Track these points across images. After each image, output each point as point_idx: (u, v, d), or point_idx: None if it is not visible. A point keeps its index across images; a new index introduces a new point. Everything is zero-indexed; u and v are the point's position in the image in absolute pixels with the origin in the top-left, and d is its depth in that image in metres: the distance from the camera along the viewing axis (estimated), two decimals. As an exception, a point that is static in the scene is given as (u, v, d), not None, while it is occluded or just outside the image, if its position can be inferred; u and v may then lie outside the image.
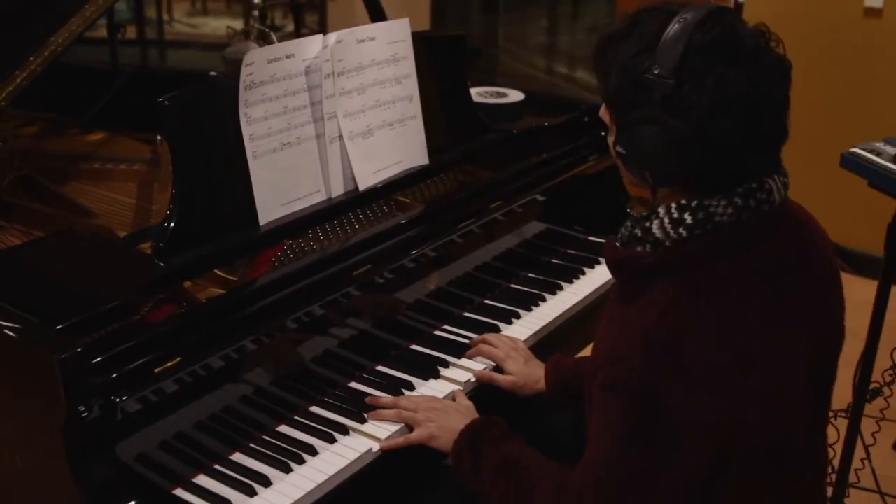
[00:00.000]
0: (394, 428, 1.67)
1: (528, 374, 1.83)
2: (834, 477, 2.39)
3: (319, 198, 1.89)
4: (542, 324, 2.03)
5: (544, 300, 2.12)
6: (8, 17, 1.82)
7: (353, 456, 1.60)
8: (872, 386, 2.47)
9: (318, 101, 1.87)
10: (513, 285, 2.19)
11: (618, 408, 1.31)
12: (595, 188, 2.42)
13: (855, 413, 2.36)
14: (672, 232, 1.34)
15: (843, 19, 3.90)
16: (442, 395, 1.77)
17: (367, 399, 1.73)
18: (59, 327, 1.40)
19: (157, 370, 1.46)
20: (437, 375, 1.83)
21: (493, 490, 1.51)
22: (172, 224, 1.65)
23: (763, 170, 1.36)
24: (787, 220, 1.42)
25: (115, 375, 1.40)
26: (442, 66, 2.19)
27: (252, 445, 1.62)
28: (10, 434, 1.47)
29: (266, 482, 1.53)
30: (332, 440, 1.63)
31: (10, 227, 1.91)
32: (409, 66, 2.05)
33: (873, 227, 2.41)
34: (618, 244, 1.43)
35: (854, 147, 2.24)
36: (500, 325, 2.01)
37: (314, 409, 1.72)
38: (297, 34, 3.48)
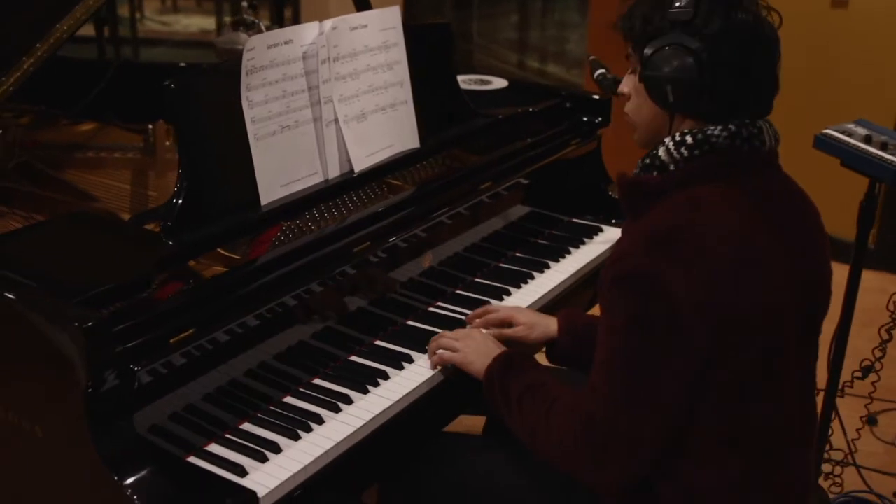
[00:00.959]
0: (396, 396, 1.74)
1: (537, 320, 1.93)
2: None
3: (317, 179, 1.95)
4: (533, 300, 2.11)
5: (532, 278, 2.20)
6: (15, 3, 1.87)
7: (359, 424, 1.67)
8: (864, 363, 2.57)
9: (315, 85, 1.93)
10: (502, 264, 2.26)
11: (622, 298, 1.46)
12: (577, 172, 2.50)
13: (830, 387, 2.46)
14: (675, 152, 1.54)
15: (812, 10, 4.04)
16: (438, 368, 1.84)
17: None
18: (79, 299, 1.45)
19: (172, 340, 1.51)
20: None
21: (518, 410, 1.64)
22: (179, 203, 1.71)
23: (757, 114, 1.56)
24: (780, 171, 1.61)
25: (132, 345, 1.46)
26: (430, 54, 2.26)
27: (260, 415, 1.68)
28: (31, 405, 1.51)
29: (276, 449, 1.59)
30: (336, 409, 1.70)
31: (12, 212, 1.96)
32: (399, 53, 2.12)
33: (844, 211, 2.50)
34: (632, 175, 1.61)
35: (827, 129, 2.34)
36: (492, 301, 2.08)
37: (318, 381, 1.78)
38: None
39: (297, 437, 1.62)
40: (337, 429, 1.65)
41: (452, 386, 1.83)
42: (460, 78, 2.53)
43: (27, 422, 1.51)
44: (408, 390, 1.76)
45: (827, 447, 2.59)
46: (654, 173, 1.56)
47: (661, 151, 1.55)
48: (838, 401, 2.52)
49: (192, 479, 1.50)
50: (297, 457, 1.58)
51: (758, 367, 1.49)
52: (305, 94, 1.92)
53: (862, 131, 2.31)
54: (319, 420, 1.67)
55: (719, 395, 1.48)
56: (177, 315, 1.53)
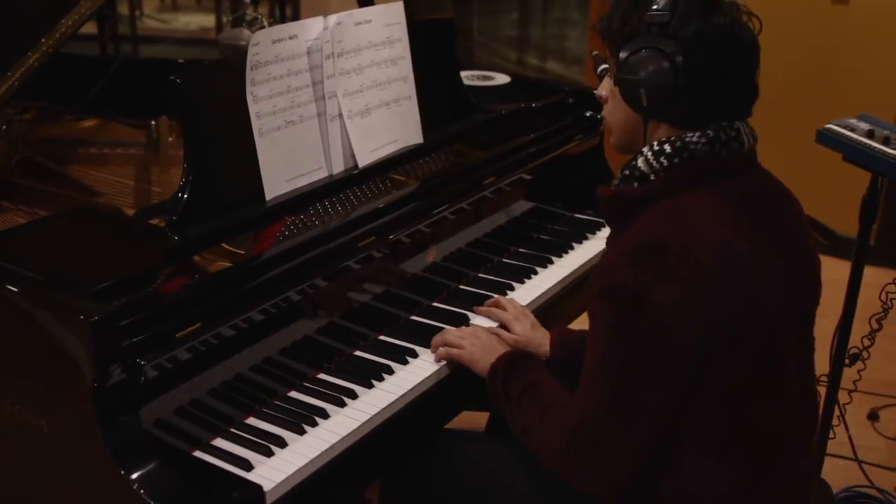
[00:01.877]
0: (400, 391, 1.74)
1: (533, 336, 1.93)
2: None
3: (321, 174, 1.96)
4: (536, 295, 2.11)
5: (536, 273, 2.20)
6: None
7: (364, 418, 1.67)
8: (852, 350, 2.57)
9: (320, 80, 1.93)
10: (505, 259, 2.26)
11: (608, 311, 1.46)
12: (580, 168, 2.51)
13: (831, 383, 2.46)
14: (654, 162, 1.52)
15: (813, 6, 4.05)
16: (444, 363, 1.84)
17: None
18: (86, 293, 1.45)
19: (178, 335, 1.52)
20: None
21: (516, 408, 1.66)
22: (185, 197, 1.71)
23: (734, 118, 1.54)
24: (759, 170, 1.60)
25: (139, 339, 1.46)
26: (433, 49, 2.26)
27: (265, 410, 1.68)
28: (37, 400, 1.52)
29: (282, 443, 1.59)
30: (342, 404, 1.70)
31: (16, 208, 1.96)
32: (403, 48, 2.12)
33: (847, 207, 2.50)
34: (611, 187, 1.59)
35: (829, 123, 2.34)
36: (495, 296, 2.08)
37: (322, 375, 1.78)
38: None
39: (302, 432, 1.63)
40: (342, 423, 1.66)
41: (456, 381, 1.84)
42: (463, 73, 2.53)
43: (33, 416, 1.51)
44: (412, 385, 1.77)
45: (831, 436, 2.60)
46: (635, 184, 1.54)
47: (640, 162, 1.53)
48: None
49: (198, 474, 1.50)
50: (303, 451, 1.58)
51: (755, 369, 1.49)
52: (310, 90, 1.92)
53: (864, 126, 2.31)
54: (325, 414, 1.67)
55: (716, 400, 1.48)
56: (183, 309, 1.53)
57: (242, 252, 1.74)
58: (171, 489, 1.43)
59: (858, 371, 2.63)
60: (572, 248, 2.32)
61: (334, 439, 1.62)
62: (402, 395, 1.74)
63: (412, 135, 2.15)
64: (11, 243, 1.68)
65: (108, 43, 3.06)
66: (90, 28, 3.09)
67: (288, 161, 1.88)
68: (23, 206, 1.97)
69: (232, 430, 1.63)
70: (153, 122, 2.46)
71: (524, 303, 2.06)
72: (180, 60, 2.78)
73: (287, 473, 1.53)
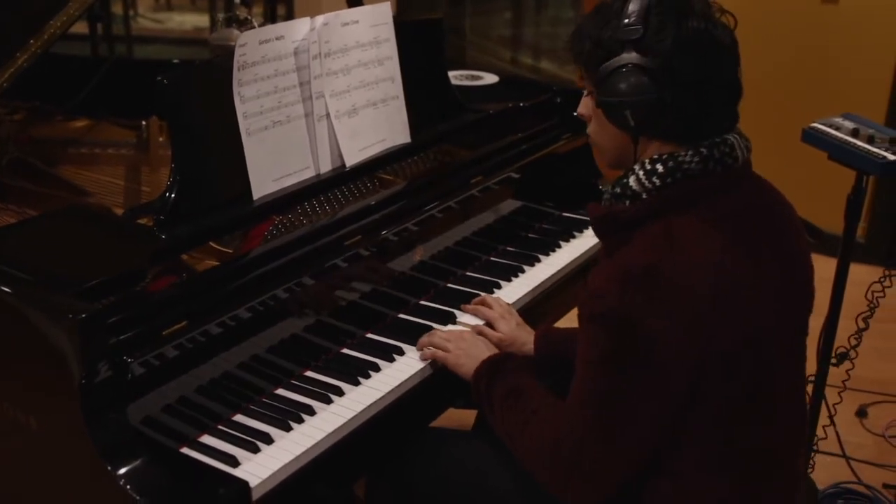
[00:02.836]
0: (387, 388, 1.76)
1: (517, 335, 1.94)
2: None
3: (309, 174, 1.97)
4: (522, 293, 2.13)
5: (523, 271, 2.22)
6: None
7: (350, 415, 1.69)
8: (839, 350, 2.59)
9: (307, 81, 1.95)
10: (492, 258, 2.28)
11: (596, 336, 1.44)
12: (568, 166, 2.52)
13: (818, 380, 2.48)
14: (646, 182, 1.48)
15: (802, 5, 4.07)
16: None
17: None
18: (73, 292, 1.46)
19: (165, 332, 1.53)
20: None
21: (500, 413, 1.66)
22: (172, 197, 1.73)
23: (724, 126, 1.51)
24: (753, 180, 1.57)
25: (125, 337, 1.48)
26: (421, 50, 2.28)
27: (252, 407, 1.70)
28: (25, 397, 1.53)
29: (268, 440, 1.61)
30: (328, 401, 1.72)
31: (6, 208, 1.97)
32: (390, 49, 2.14)
33: (833, 205, 2.52)
34: (601, 205, 1.56)
35: (814, 122, 2.36)
36: (482, 294, 2.09)
37: (309, 373, 1.80)
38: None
39: (289, 429, 1.64)
40: (328, 420, 1.67)
41: (442, 379, 1.85)
42: (452, 73, 2.55)
43: (22, 413, 1.53)
44: (398, 382, 1.79)
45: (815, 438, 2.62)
46: (626, 202, 1.51)
47: (632, 181, 1.50)
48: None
49: (185, 470, 1.51)
50: (289, 447, 1.60)
51: (748, 389, 1.48)
52: (297, 90, 1.94)
53: (849, 125, 2.33)
54: (311, 411, 1.68)
55: (709, 420, 1.47)
56: (170, 307, 1.55)
57: (230, 251, 1.75)
58: (159, 485, 1.45)
59: (847, 371, 2.65)
60: (559, 247, 2.34)
61: (320, 436, 1.63)
62: (388, 393, 1.76)
63: (400, 134, 2.17)
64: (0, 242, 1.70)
65: (99, 43, 3.07)
66: (82, 28, 3.10)
67: (275, 161, 1.90)
68: (13, 205, 1.98)
69: (219, 426, 1.64)
70: (144, 123, 2.47)
71: (511, 301, 2.08)
72: (176, 61, 2.79)
73: (273, 469, 1.55)
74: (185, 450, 1.59)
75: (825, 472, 2.72)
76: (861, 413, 3.13)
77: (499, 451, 1.75)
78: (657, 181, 1.48)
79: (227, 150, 1.82)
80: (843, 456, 2.77)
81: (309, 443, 1.62)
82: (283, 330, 1.78)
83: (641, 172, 1.49)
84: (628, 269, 1.42)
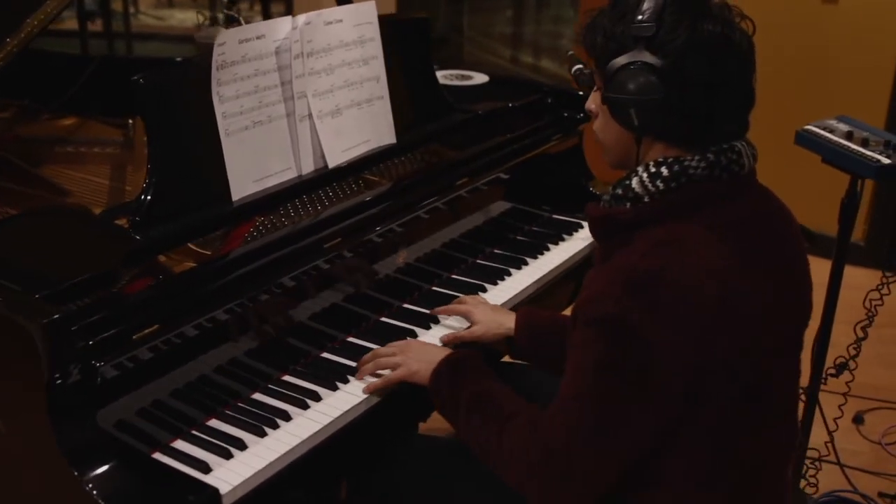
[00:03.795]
0: (364, 394, 1.73)
1: (492, 319, 1.89)
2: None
3: (290, 175, 1.95)
4: (509, 296, 2.10)
5: (510, 274, 2.19)
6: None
7: (326, 421, 1.66)
8: (839, 360, 2.56)
9: (288, 80, 1.92)
10: (479, 261, 2.25)
11: (593, 341, 1.40)
12: (558, 168, 2.50)
13: (812, 387, 2.44)
14: (650, 185, 1.44)
15: (802, 6, 4.02)
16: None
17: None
18: (41, 294, 1.44)
19: (135, 336, 1.51)
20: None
21: (469, 423, 1.59)
22: (148, 199, 1.70)
23: (733, 133, 1.47)
24: (757, 189, 1.53)
25: (95, 341, 1.45)
26: (408, 49, 2.25)
27: (227, 412, 1.67)
28: (-7, 400, 1.52)
29: (242, 445, 1.58)
30: (304, 406, 1.69)
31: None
32: (375, 48, 2.11)
33: (830, 207, 2.49)
34: (601, 206, 1.53)
35: (808, 125, 2.32)
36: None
37: (287, 377, 1.78)
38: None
39: (263, 434, 1.62)
40: (304, 425, 1.65)
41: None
42: (441, 73, 2.53)
43: (-9, 417, 1.51)
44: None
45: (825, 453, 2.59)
46: (627, 204, 1.47)
47: (635, 183, 1.46)
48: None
49: (154, 476, 1.49)
50: (262, 454, 1.57)
51: (744, 401, 1.44)
52: (278, 90, 1.91)
53: (843, 128, 2.30)
54: (287, 417, 1.66)
55: (703, 430, 1.43)
56: (141, 311, 1.53)
57: (208, 253, 1.73)
58: (125, 491, 1.43)
59: (847, 383, 2.62)
60: (548, 250, 2.31)
61: (295, 442, 1.61)
62: (367, 398, 1.73)
63: (385, 135, 2.14)
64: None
65: (98, 40, 3.05)
66: (75, 25, 3.09)
67: (256, 161, 1.87)
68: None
69: (193, 431, 1.62)
70: (130, 122, 2.45)
71: (496, 304, 2.05)
72: (179, 59, 2.77)
73: (244, 476, 1.52)
74: (157, 455, 1.56)
75: (820, 479, 2.69)
76: (858, 420, 3.10)
77: None
78: (661, 185, 1.44)
79: (205, 150, 1.80)
80: (839, 464, 2.73)
81: (283, 449, 1.59)
82: (261, 334, 1.76)
83: (645, 175, 1.46)
84: (629, 274, 1.38)
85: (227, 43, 1.79)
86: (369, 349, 1.86)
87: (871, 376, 3.18)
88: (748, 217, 1.47)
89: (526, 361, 1.93)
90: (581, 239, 2.38)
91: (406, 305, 2.04)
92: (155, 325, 1.54)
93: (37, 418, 1.42)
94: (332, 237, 1.85)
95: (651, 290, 1.36)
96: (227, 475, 1.52)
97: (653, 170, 1.45)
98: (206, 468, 1.53)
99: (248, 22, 2.62)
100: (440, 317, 1.98)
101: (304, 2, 4.75)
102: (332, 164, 2.00)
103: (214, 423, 1.65)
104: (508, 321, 1.89)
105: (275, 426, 1.64)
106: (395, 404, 1.78)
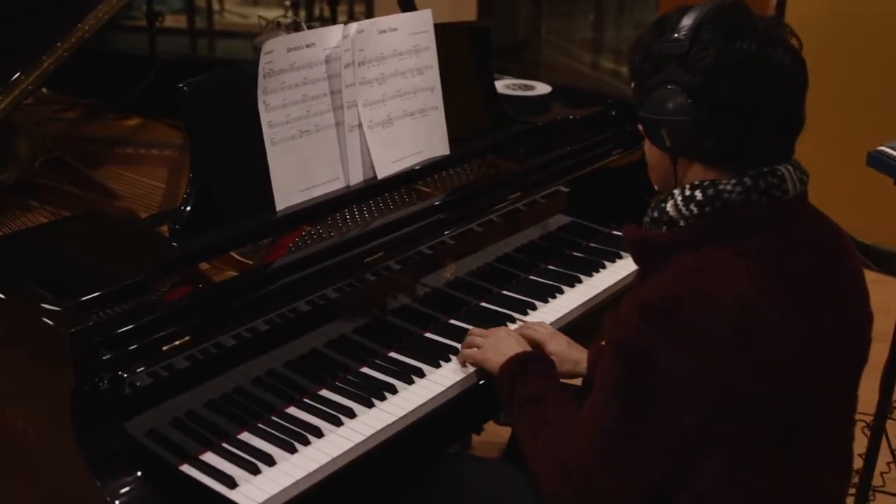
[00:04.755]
0: (400, 413, 1.69)
1: (568, 354, 1.86)
2: (858, 479, 2.38)
3: (338, 185, 1.92)
4: (558, 315, 2.04)
5: (562, 292, 2.13)
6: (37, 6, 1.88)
7: (358, 439, 1.63)
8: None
9: (338, 89, 1.90)
10: (532, 277, 2.20)
11: (612, 361, 1.40)
12: (620, 182, 2.42)
13: (879, 415, 2.34)
14: (684, 209, 1.42)
15: (885, 19, 3.85)
16: (451, 382, 1.79)
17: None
18: (70, 303, 1.44)
19: (165, 348, 1.50)
20: (448, 360, 1.85)
21: (518, 421, 1.62)
22: (189, 207, 1.69)
23: (775, 155, 1.42)
24: (807, 216, 1.47)
25: (122, 352, 1.44)
26: (466, 58, 2.21)
27: (260, 425, 1.65)
28: (23, 405, 1.52)
29: (270, 461, 1.56)
30: (338, 423, 1.66)
31: (42, 207, 1.97)
32: (430, 57, 2.07)
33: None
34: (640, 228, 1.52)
35: (881, 146, 2.22)
36: (516, 315, 2.02)
37: (324, 392, 1.75)
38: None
39: (293, 450, 1.59)
40: (335, 443, 1.62)
41: (461, 405, 1.78)
42: (502, 83, 2.48)
43: (21, 422, 1.52)
44: (414, 406, 1.72)
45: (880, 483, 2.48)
46: (663, 228, 1.45)
47: (670, 206, 1.44)
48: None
49: (178, 490, 1.48)
50: (290, 471, 1.55)
51: (775, 437, 1.39)
52: (327, 99, 1.89)
53: (918, 149, 2.19)
54: (319, 433, 1.63)
55: (728, 466, 1.39)
56: (172, 322, 1.51)
57: (250, 262, 1.71)
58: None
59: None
60: (603, 268, 2.25)
61: (324, 460, 1.58)
62: (403, 417, 1.69)
63: (438, 146, 2.10)
64: (7, 247, 1.68)
65: (158, 39, 3.07)
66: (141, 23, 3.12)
67: (301, 171, 1.85)
68: (49, 206, 1.98)
69: (223, 444, 1.60)
70: (190, 124, 2.45)
71: (547, 322, 1.99)
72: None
73: (270, 493, 1.50)
74: (185, 467, 1.55)
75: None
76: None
77: (529, 482, 1.68)
78: (695, 209, 1.41)
79: (249, 159, 1.78)
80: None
81: (312, 466, 1.56)
82: (301, 346, 1.73)
83: (680, 198, 1.43)
84: (649, 300, 1.37)
85: (275, 51, 1.77)
86: (410, 365, 1.82)
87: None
88: (791, 244, 1.42)
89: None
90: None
91: (452, 321, 2.00)
92: (186, 337, 1.52)
93: (62, 427, 1.41)
94: (377, 249, 1.82)
95: (667, 317, 1.34)
96: (252, 492, 1.50)
97: (687, 193, 1.42)
98: (232, 483, 1.51)
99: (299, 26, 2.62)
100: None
101: (384, 4, 4.74)
102: (381, 174, 1.97)
103: (246, 436, 1.63)
104: (582, 360, 1.85)
105: (306, 442, 1.61)
106: (430, 426, 1.74)
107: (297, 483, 1.53)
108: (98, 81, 2.65)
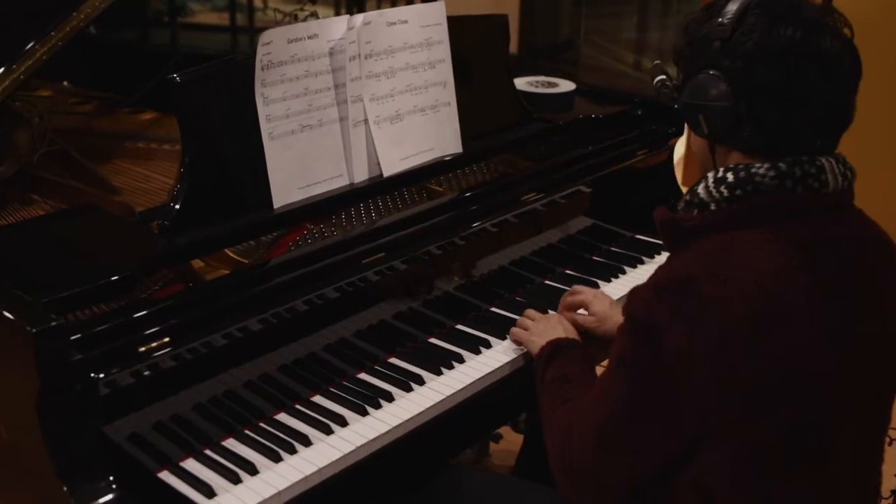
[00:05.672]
0: (394, 422, 1.61)
1: (610, 315, 1.83)
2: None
3: (341, 182, 1.85)
4: (571, 323, 1.94)
5: (577, 298, 2.03)
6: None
7: (348, 449, 1.55)
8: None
9: (343, 83, 1.83)
10: (547, 281, 2.11)
11: (622, 335, 1.38)
12: (645, 184, 2.33)
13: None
14: (714, 191, 1.37)
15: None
16: (452, 391, 1.71)
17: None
18: (39, 301, 1.38)
19: (142, 349, 1.43)
20: (451, 367, 1.77)
21: (543, 394, 1.62)
22: (178, 203, 1.63)
23: (816, 148, 1.36)
24: (850, 214, 1.41)
25: (95, 353, 1.38)
26: (482, 51, 2.13)
27: (246, 432, 1.58)
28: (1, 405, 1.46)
29: (252, 470, 1.49)
30: (328, 431, 1.58)
31: (41, 201, 1.93)
32: (443, 51, 1.99)
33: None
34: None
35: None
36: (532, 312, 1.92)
37: (317, 398, 1.67)
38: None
39: (278, 459, 1.52)
40: (323, 452, 1.54)
41: (462, 414, 1.70)
42: (525, 79, 2.40)
43: (-2, 423, 1.46)
44: (409, 416, 1.63)
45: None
46: (695, 211, 1.41)
47: (701, 188, 1.40)
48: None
49: (151, 498, 1.42)
50: (273, 480, 1.48)
51: (788, 438, 1.32)
52: (331, 92, 1.82)
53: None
54: (306, 441, 1.55)
55: (738, 461, 1.32)
56: (148, 323, 1.45)
57: (247, 261, 1.65)
58: (115, 513, 1.35)
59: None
60: (623, 273, 2.15)
61: (310, 470, 1.50)
62: (397, 426, 1.61)
63: (450, 143, 2.02)
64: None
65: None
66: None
67: (302, 167, 1.78)
68: (47, 199, 1.93)
69: (206, 451, 1.53)
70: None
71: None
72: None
73: (249, 504, 1.43)
74: (163, 474, 1.48)
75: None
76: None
77: (535, 495, 1.65)
78: (725, 191, 1.37)
79: (246, 154, 1.72)
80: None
81: (296, 477, 1.48)
82: (292, 350, 1.66)
83: (711, 181, 1.39)
84: (665, 278, 1.35)
85: (274, 42, 1.71)
86: (409, 372, 1.74)
87: None
88: (827, 240, 1.35)
89: None
90: (658, 263, 2.20)
91: (459, 327, 1.91)
92: (165, 339, 1.46)
93: (31, 428, 1.35)
94: (377, 249, 1.74)
95: (683, 296, 1.30)
96: (231, 501, 1.43)
97: (719, 175, 1.38)
98: (210, 492, 1.44)
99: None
100: (493, 342, 1.85)
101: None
102: (387, 172, 1.90)
103: (231, 442, 1.56)
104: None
105: (292, 451, 1.53)
106: (429, 436, 1.66)
107: (279, 494, 1.46)
108: (119, 75, 2.61)
